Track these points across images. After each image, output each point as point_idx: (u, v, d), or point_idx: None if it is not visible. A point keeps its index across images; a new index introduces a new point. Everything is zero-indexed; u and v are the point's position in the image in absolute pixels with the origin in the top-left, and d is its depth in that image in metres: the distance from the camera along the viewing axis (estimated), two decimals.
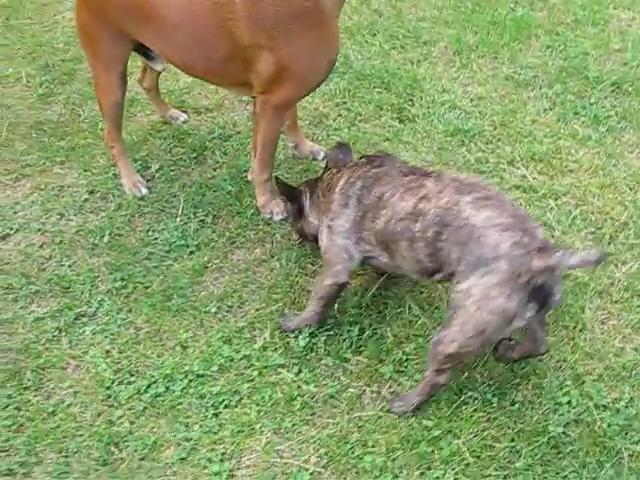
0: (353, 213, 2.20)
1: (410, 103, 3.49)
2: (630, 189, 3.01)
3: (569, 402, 2.18)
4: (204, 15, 2.40)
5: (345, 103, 3.48)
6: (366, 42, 4.02)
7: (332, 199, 2.27)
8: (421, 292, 2.51)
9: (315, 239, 2.45)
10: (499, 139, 3.27)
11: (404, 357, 2.31)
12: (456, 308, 1.94)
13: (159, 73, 3.14)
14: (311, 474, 2.03)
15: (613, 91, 3.67)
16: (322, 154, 3.10)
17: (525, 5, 4.50)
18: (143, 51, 2.78)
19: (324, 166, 2.53)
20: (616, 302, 2.50)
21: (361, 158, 2.36)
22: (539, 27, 4.23)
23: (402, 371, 2.28)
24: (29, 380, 2.31)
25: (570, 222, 2.82)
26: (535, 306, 1.90)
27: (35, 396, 2.27)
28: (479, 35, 4.12)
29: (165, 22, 2.50)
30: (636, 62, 3.87)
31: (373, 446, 2.09)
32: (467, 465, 2.02)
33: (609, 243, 2.73)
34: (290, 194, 2.53)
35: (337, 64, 3.60)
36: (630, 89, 3.66)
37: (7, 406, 2.24)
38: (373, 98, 3.51)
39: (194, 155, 3.17)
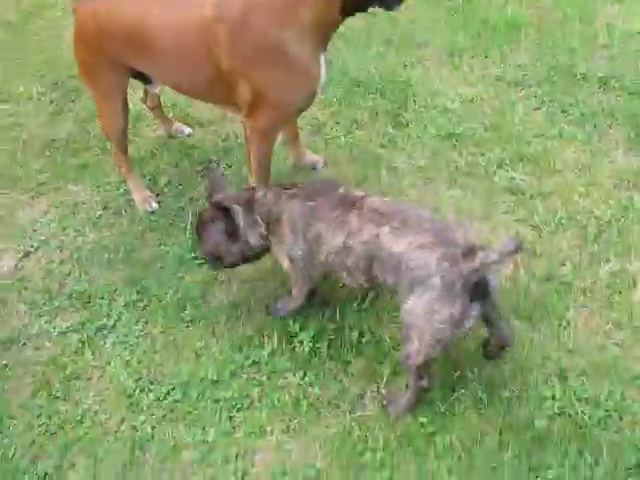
0: (302, 245, 2.39)
1: (404, 108, 3.65)
2: (614, 187, 3.16)
3: (553, 396, 2.36)
4: (193, 40, 2.61)
5: (341, 111, 3.65)
6: (362, 45, 4.18)
7: (282, 231, 2.42)
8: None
9: (246, 258, 2.57)
10: (489, 142, 3.43)
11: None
12: (408, 326, 2.15)
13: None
14: (318, 470, 2.23)
15: (600, 87, 3.80)
16: (321, 163, 3.28)
17: (515, 2, 4.64)
18: (141, 77, 2.98)
19: (209, 191, 2.57)
20: (599, 300, 2.67)
21: (293, 187, 2.46)
22: (529, 25, 4.37)
23: (399, 372, 2.47)
24: (58, 391, 2.51)
25: (557, 222, 2.98)
26: (478, 304, 2.10)
27: (64, 405, 2.47)
28: (471, 35, 4.26)
29: (158, 48, 2.70)
30: (621, 57, 4.00)
31: (373, 443, 2.28)
32: (459, 458, 2.21)
33: (593, 242, 2.89)
34: (225, 213, 2.48)
35: (334, 71, 3.78)
36: (616, 85, 3.78)
37: (40, 415, 2.45)
38: (368, 105, 3.68)
39: (200, 168, 3.36)
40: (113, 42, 2.78)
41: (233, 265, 2.63)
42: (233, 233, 2.50)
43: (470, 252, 2.05)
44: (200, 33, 2.58)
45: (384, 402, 2.38)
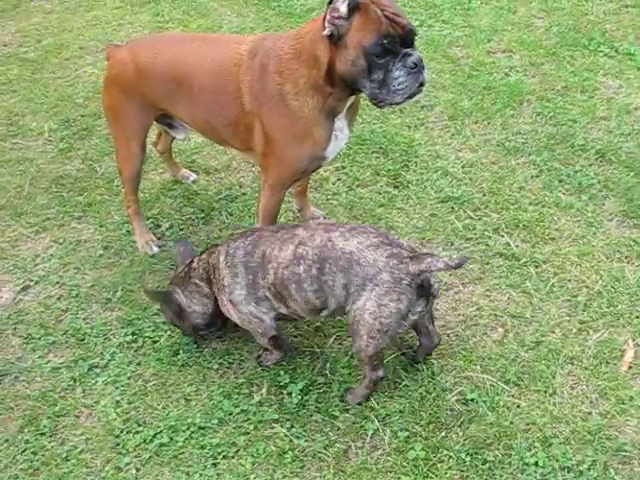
0: (244, 279, 2.50)
1: (405, 169, 3.74)
2: (607, 258, 3.22)
3: (536, 463, 2.38)
4: (228, 76, 2.70)
5: (344, 168, 3.74)
6: (367, 105, 4.29)
7: (220, 276, 2.54)
8: (405, 355, 2.73)
9: (205, 324, 2.73)
10: (487, 206, 3.50)
11: (387, 415, 2.52)
12: (358, 322, 2.34)
13: (173, 139, 3.40)
14: None
15: (597, 159, 3.89)
16: (322, 218, 3.35)
17: (519, 70, 4.77)
18: (166, 122, 3.06)
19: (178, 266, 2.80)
20: (586, 368, 2.70)
21: (232, 235, 2.66)
22: (531, 93, 4.48)
23: (384, 429, 2.49)
24: (45, 427, 2.53)
25: (548, 290, 3.03)
26: (423, 301, 2.36)
27: (50, 442, 2.49)
28: (474, 100, 4.37)
29: (196, 86, 2.78)
30: (620, 131, 4.10)
31: None
32: None
33: (583, 311, 2.94)
34: (164, 299, 2.73)
35: None
36: (613, 158, 3.87)
37: (25, 450, 2.47)
38: (371, 163, 3.76)
39: (202, 215, 3.43)
40: (152, 84, 2.85)
41: (200, 331, 2.78)
42: (180, 310, 2.70)
43: (418, 257, 2.31)
44: (235, 69, 2.68)
45: (369, 456, 2.40)
